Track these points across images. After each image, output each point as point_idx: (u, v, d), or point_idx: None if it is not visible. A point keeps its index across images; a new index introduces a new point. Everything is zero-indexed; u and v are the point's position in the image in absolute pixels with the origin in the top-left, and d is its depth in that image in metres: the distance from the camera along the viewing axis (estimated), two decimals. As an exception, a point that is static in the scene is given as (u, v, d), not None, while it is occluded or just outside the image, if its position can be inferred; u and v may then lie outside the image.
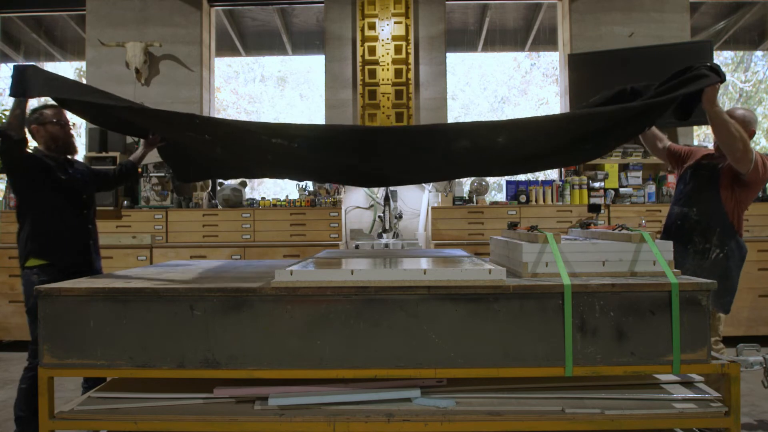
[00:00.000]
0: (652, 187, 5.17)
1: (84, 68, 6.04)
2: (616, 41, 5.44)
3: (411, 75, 5.44)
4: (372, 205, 5.49)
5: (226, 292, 1.74)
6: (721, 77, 2.05)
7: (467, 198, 5.27)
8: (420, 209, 5.45)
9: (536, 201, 5.15)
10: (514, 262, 2.01)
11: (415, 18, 5.54)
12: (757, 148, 11.84)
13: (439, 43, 5.56)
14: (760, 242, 4.57)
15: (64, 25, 6.91)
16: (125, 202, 5.21)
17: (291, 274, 1.74)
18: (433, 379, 1.80)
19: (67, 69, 11.09)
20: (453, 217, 5.01)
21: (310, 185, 5.40)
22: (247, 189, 5.56)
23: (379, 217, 5.09)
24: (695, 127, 6.25)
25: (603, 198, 5.09)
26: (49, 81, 2.15)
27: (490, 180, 5.54)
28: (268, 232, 5.06)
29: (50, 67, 8.07)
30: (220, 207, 5.24)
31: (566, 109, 5.56)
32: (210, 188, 5.48)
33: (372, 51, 5.43)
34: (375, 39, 5.43)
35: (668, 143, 2.89)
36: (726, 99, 12.50)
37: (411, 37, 5.45)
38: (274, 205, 5.24)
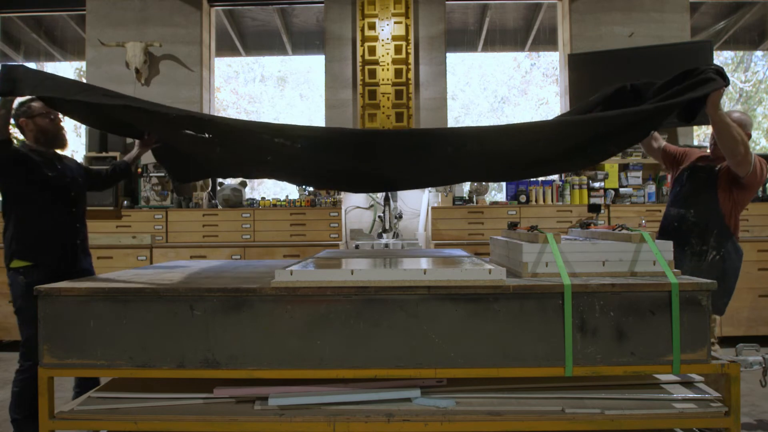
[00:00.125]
0: (652, 187, 5.17)
1: (84, 68, 6.04)
2: (616, 41, 5.44)
3: (411, 75, 5.44)
4: (372, 205, 5.49)
5: (226, 292, 1.74)
6: (725, 81, 2.06)
7: (467, 198, 5.27)
8: (420, 209, 5.45)
9: (536, 201, 5.15)
10: (514, 262, 2.00)
11: (415, 18, 5.53)
12: (757, 148, 11.85)
13: (439, 43, 5.56)
14: (760, 242, 4.57)
15: (64, 25, 6.91)
16: (125, 202, 5.21)
17: (291, 274, 1.74)
18: (433, 379, 1.79)
19: (67, 69, 11.11)
20: (453, 217, 5.01)
21: (310, 185, 5.41)
22: (247, 189, 5.56)
23: (379, 217, 5.09)
24: (695, 128, 6.25)
25: (603, 198, 5.09)
26: (40, 81, 2.07)
27: (490, 180, 5.54)
28: (268, 232, 5.06)
29: (50, 66, 8.08)
30: (220, 207, 5.24)
31: (566, 109, 5.55)
32: (210, 188, 5.48)
33: (372, 51, 5.43)
34: (375, 39, 5.43)
35: (663, 143, 2.89)
36: (726, 99, 12.49)
37: (411, 37, 5.45)
38: (274, 205, 5.24)
